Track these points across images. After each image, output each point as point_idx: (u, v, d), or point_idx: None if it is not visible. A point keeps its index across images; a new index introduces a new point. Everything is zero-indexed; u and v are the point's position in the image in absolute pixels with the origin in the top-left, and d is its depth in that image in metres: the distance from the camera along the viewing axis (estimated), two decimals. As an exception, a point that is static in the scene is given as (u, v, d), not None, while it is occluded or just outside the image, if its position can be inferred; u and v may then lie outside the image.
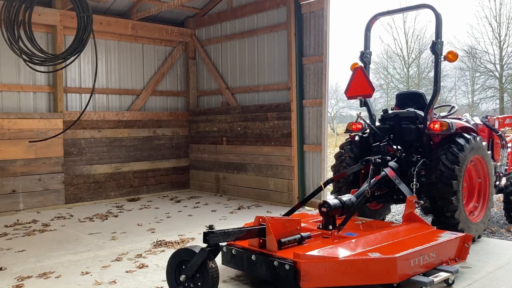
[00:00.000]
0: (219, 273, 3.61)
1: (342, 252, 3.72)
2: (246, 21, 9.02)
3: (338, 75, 44.97)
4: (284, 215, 4.88)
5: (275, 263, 3.67)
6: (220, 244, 3.72)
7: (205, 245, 3.59)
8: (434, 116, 5.61)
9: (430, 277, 3.70)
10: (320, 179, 7.64)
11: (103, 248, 5.36)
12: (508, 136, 7.10)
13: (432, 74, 16.28)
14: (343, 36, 51.26)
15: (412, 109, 5.65)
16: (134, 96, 9.43)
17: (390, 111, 5.85)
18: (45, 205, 7.90)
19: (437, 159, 5.08)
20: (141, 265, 4.64)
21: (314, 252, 3.71)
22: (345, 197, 4.74)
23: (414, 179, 5.07)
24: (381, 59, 29.88)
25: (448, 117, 5.75)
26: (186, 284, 3.62)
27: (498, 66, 24.54)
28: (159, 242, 5.49)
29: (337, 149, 6.22)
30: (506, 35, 24.06)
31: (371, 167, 5.10)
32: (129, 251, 5.19)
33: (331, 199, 4.67)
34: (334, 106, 34.50)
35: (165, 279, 3.83)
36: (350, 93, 5.41)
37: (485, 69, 25.27)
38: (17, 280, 4.26)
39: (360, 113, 5.84)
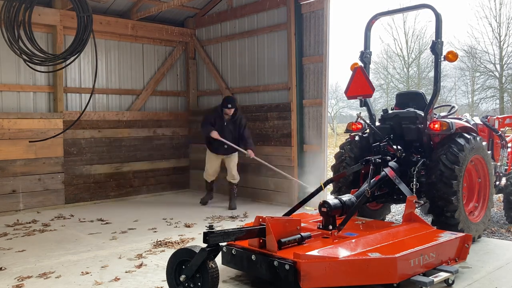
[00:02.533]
0: (219, 273, 3.61)
1: (342, 252, 3.72)
2: (246, 21, 9.02)
3: (338, 75, 44.98)
4: (284, 215, 4.88)
5: (275, 263, 3.67)
6: (220, 244, 3.72)
7: (205, 245, 3.59)
8: (434, 116, 5.61)
9: (430, 277, 3.70)
10: (320, 179, 7.63)
11: (103, 248, 5.36)
12: (508, 136, 7.10)
13: (432, 74, 16.29)
14: (343, 36, 51.23)
15: (412, 109, 5.64)
16: (134, 96, 9.43)
17: (390, 111, 5.85)
18: (45, 205, 7.90)
19: (437, 159, 5.08)
20: (141, 265, 4.64)
21: (314, 252, 3.70)
22: (345, 197, 4.74)
23: (414, 179, 5.07)
24: (381, 59, 29.91)
25: (448, 117, 5.75)
26: (186, 284, 3.62)
27: (498, 66, 24.54)
28: (159, 242, 5.49)
29: (337, 149, 6.22)
30: (506, 35, 24.06)
31: (371, 167, 5.09)
32: (129, 251, 5.20)
33: (331, 199, 4.67)
34: (334, 106, 34.48)
35: (165, 279, 3.83)
36: (350, 93, 5.41)
37: (485, 69, 25.27)
38: (17, 280, 4.26)
39: (360, 113, 5.84)
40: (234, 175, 8.05)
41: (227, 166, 8.08)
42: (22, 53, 5.88)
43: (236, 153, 8.00)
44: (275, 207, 7.80)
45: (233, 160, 8.01)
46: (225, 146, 7.74)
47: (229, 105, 7.73)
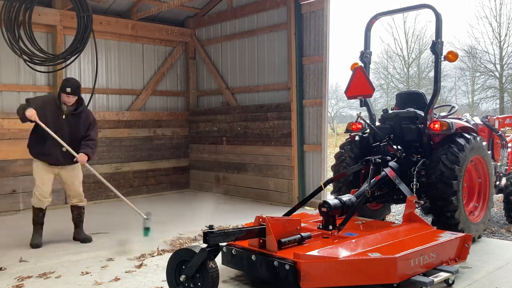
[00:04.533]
0: (219, 273, 3.61)
1: (342, 252, 3.72)
2: (246, 21, 9.02)
3: (338, 75, 44.90)
4: (284, 215, 4.88)
5: (275, 263, 3.67)
6: (220, 244, 3.72)
7: (205, 245, 3.59)
8: (434, 116, 5.61)
9: (430, 277, 3.70)
10: (320, 179, 7.63)
11: (103, 248, 5.36)
12: (508, 136, 7.10)
13: (432, 74, 16.30)
14: (343, 36, 51.25)
15: (412, 109, 5.64)
16: (134, 96, 9.43)
17: (390, 111, 5.85)
18: (45, 205, 7.88)
19: (437, 159, 5.08)
20: (141, 265, 4.64)
21: (314, 252, 3.70)
22: (345, 197, 4.74)
23: (414, 179, 5.07)
24: (381, 59, 29.97)
25: (448, 117, 5.75)
26: (186, 284, 3.62)
27: (498, 66, 24.57)
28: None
29: (337, 149, 6.22)
30: (506, 35, 24.11)
31: (371, 167, 5.09)
32: (129, 251, 5.19)
33: (331, 199, 4.67)
34: (334, 106, 34.54)
35: (165, 279, 3.82)
36: (350, 93, 5.41)
37: (485, 69, 25.30)
38: (17, 280, 4.26)
39: (360, 113, 5.84)
40: (81, 194, 5.79)
41: (66, 182, 5.67)
42: (23, 53, 5.88)
43: (79, 164, 5.65)
44: (275, 207, 7.80)
45: (77, 174, 5.73)
46: (64, 149, 5.35)
47: (68, 89, 5.28)
